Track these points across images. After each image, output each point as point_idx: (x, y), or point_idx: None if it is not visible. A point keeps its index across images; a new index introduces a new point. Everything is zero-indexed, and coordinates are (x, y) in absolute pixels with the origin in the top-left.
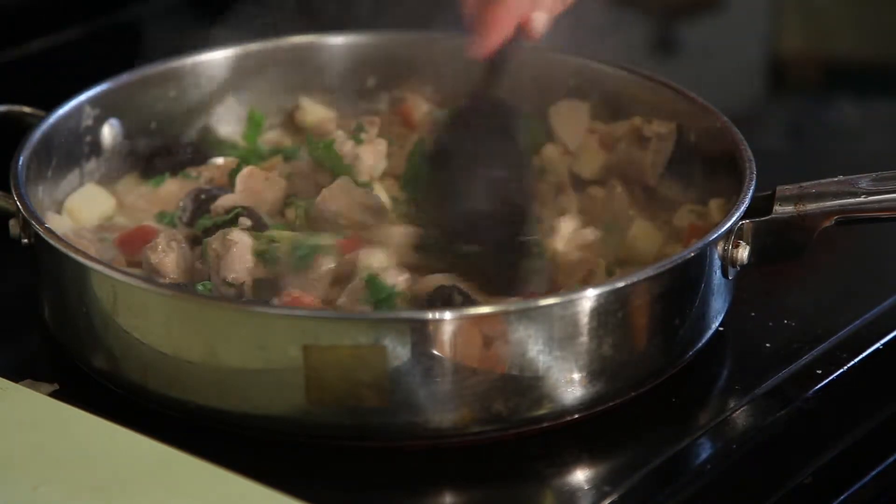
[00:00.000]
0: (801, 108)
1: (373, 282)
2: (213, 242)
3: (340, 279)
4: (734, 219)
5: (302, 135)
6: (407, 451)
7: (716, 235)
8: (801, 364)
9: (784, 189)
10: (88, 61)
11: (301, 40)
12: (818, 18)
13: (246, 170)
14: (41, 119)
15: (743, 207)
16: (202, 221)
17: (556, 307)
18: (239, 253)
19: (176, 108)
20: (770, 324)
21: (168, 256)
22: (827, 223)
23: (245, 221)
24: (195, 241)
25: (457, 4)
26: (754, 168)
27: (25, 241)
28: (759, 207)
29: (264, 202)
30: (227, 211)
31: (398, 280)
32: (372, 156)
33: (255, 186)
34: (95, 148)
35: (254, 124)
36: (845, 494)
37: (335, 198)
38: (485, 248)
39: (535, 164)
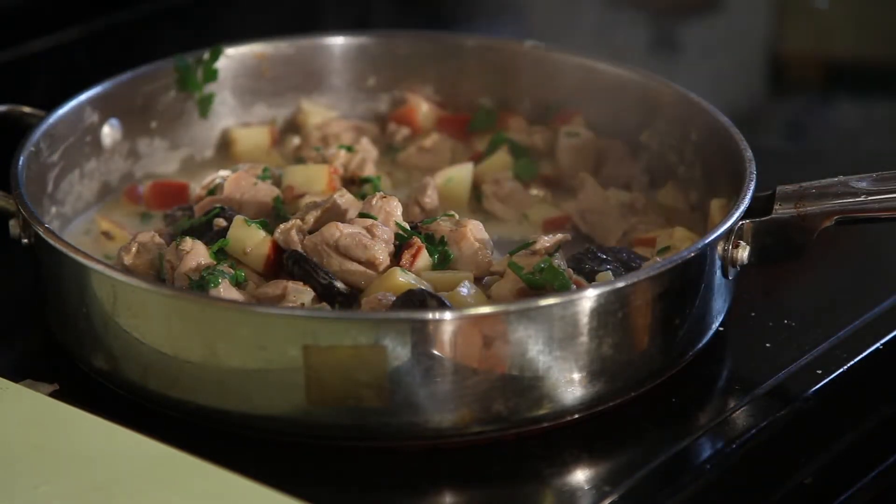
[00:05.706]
0: (801, 108)
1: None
2: (168, 254)
3: None
4: (734, 219)
5: (303, 134)
6: (407, 451)
7: (716, 235)
8: (801, 364)
9: (784, 189)
10: (88, 61)
11: (301, 40)
12: (818, 18)
13: (234, 175)
14: (41, 119)
15: (743, 207)
16: (181, 223)
17: (556, 307)
18: (191, 261)
19: (176, 109)
20: (770, 324)
21: (141, 258)
22: (827, 223)
23: (220, 222)
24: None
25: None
26: (754, 168)
27: (25, 241)
28: (759, 207)
29: (252, 206)
30: (207, 212)
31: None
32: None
33: (243, 191)
34: (95, 148)
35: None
36: (845, 494)
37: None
38: None
39: None
